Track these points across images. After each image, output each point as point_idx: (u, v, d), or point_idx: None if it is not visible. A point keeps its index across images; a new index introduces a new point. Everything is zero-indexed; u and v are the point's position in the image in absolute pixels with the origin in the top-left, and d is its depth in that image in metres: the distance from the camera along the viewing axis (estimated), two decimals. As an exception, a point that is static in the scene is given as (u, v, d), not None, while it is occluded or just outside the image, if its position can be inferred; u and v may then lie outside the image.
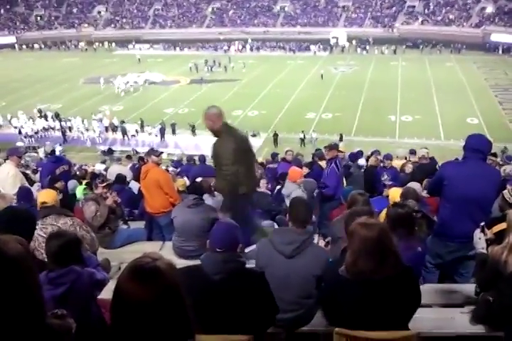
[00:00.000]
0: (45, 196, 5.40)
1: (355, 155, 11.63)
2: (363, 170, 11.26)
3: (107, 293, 3.73)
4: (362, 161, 12.13)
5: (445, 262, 5.10)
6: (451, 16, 62.22)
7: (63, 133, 34.45)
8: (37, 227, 4.75)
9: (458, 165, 5.08)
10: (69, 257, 3.48)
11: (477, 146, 4.76)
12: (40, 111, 37.77)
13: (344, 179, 9.12)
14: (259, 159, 16.08)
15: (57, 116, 36.49)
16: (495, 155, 13.08)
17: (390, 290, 3.08)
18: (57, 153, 22.82)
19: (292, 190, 7.77)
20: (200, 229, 5.78)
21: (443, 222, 5.04)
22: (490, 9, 60.41)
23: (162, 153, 8.32)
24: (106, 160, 19.26)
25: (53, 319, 2.08)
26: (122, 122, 35.13)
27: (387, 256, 3.02)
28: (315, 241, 4.44)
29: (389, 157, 11.54)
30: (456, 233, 4.84)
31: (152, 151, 7.94)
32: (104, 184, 6.88)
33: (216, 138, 5.68)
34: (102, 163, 17.51)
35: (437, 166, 10.65)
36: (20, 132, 34.34)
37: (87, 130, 34.64)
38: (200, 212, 6.02)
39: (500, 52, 54.82)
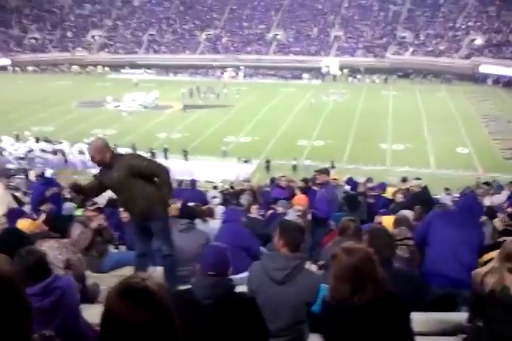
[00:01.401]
0: (27, 227, 5.51)
1: (355, 184, 11.58)
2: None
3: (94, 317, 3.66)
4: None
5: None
6: (441, 47, 63.29)
7: (63, 155, 34.48)
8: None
9: (445, 213, 5.10)
10: (45, 270, 3.49)
11: (469, 206, 4.84)
12: (17, 136, 37.44)
13: (349, 208, 9.13)
14: (253, 184, 16.07)
15: (46, 140, 36.38)
16: (488, 184, 13.20)
17: (374, 316, 3.04)
18: (48, 175, 22.68)
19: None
20: (192, 254, 5.72)
21: (428, 268, 5.00)
22: (479, 41, 61.51)
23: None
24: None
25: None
26: (114, 146, 35.12)
27: (366, 282, 3.01)
28: (307, 266, 4.37)
29: (382, 186, 11.56)
30: (442, 279, 4.81)
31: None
32: (94, 207, 6.83)
33: (109, 169, 5.42)
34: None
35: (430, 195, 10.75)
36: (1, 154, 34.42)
37: (80, 153, 34.53)
38: (192, 237, 5.98)
39: (490, 83, 55.64)
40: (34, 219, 5.68)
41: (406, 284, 3.98)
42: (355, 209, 9.16)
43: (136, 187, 5.38)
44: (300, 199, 7.80)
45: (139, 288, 1.75)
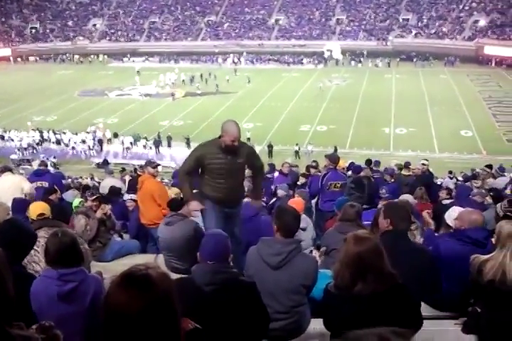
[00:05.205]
0: (40, 208, 5.38)
1: (358, 168, 11.52)
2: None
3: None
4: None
5: None
6: (444, 29, 62.72)
7: (66, 145, 34.92)
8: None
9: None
10: (75, 256, 3.48)
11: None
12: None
13: (358, 191, 9.24)
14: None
15: (49, 130, 36.44)
16: (490, 167, 13.20)
17: (379, 306, 3.05)
18: (49, 165, 22.67)
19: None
20: (182, 247, 5.64)
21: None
22: (483, 22, 60.90)
23: (159, 165, 8.31)
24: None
25: (37, 332, 2.04)
26: (115, 135, 35.25)
27: (367, 273, 3.03)
28: (307, 251, 4.38)
29: (389, 172, 11.51)
30: None
31: (149, 163, 7.97)
32: (94, 197, 6.82)
33: (230, 153, 5.26)
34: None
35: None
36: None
37: (83, 142, 34.59)
38: (178, 229, 5.84)
39: (493, 64, 55.28)
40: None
41: (420, 258, 4.04)
42: (363, 192, 9.26)
43: (243, 175, 5.63)
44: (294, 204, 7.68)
45: (140, 276, 1.76)
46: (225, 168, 5.29)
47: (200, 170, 5.50)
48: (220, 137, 5.25)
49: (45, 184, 9.14)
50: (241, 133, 5.31)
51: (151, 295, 1.73)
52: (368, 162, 12.53)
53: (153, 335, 1.74)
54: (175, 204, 6.19)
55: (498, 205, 5.54)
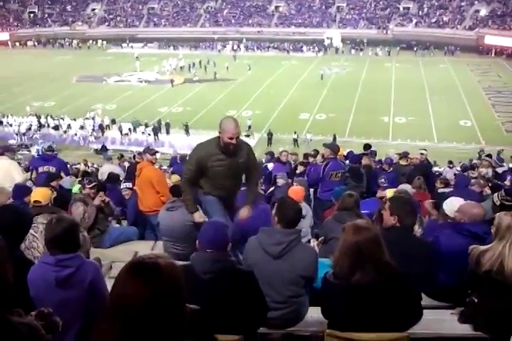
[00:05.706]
0: (39, 195, 5.37)
1: (356, 157, 11.45)
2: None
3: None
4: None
5: None
6: (445, 18, 62.45)
7: (65, 131, 34.75)
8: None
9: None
10: (72, 242, 3.49)
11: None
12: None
13: (354, 180, 9.25)
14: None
15: (47, 116, 36.25)
16: (490, 156, 13.22)
17: (377, 296, 3.07)
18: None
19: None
20: (183, 232, 5.65)
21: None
22: (483, 12, 60.63)
23: (157, 152, 8.29)
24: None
25: (36, 319, 2.04)
26: (113, 121, 35.11)
27: (365, 263, 3.04)
28: (307, 241, 4.38)
29: (388, 162, 11.50)
30: None
31: (147, 150, 7.95)
32: (91, 185, 6.75)
33: (230, 154, 5.09)
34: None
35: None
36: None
37: (81, 128, 34.43)
38: (180, 215, 5.84)
39: (494, 54, 55.10)
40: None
41: (424, 254, 4.03)
42: (360, 181, 9.25)
43: (242, 176, 5.42)
44: (297, 194, 7.61)
45: (148, 264, 1.76)
46: (226, 169, 5.15)
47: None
48: (219, 137, 5.07)
49: (52, 169, 9.09)
50: (240, 126, 5.10)
51: (159, 284, 1.73)
52: (367, 146, 12.42)
53: (160, 324, 1.74)
54: (177, 190, 6.17)
55: (495, 194, 5.55)
